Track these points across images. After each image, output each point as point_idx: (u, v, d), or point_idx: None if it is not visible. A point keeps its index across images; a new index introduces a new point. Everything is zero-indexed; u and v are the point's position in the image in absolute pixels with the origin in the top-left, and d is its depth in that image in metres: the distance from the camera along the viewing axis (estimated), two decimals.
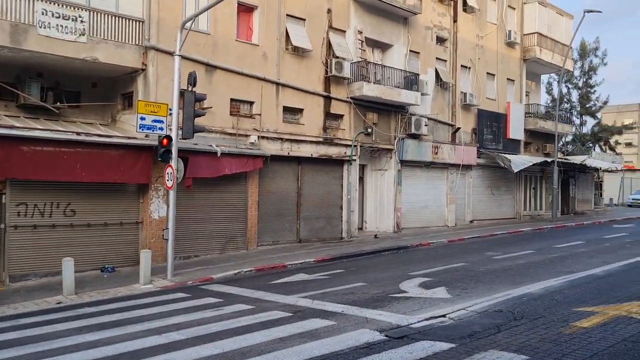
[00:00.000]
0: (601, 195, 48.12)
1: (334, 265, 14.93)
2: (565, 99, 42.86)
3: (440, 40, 24.65)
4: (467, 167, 25.61)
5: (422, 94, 22.30)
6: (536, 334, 7.48)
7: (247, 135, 16.89)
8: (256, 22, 17.43)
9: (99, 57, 13.75)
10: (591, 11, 26.81)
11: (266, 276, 13.35)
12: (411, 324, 8.23)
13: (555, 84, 41.97)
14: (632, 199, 45.19)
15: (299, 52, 18.54)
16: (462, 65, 25.64)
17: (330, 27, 19.64)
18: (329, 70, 19.27)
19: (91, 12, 13.70)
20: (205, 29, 15.98)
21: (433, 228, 23.74)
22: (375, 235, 20.74)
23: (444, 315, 8.67)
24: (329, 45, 19.53)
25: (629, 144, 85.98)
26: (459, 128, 25.09)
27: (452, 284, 11.47)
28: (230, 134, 16.45)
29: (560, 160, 29.90)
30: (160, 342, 7.61)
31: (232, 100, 16.66)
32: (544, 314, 8.63)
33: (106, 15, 14.04)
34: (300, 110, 18.70)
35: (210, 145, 15.63)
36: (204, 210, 16.03)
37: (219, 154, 15.61)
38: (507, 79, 28.69)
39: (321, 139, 19.23)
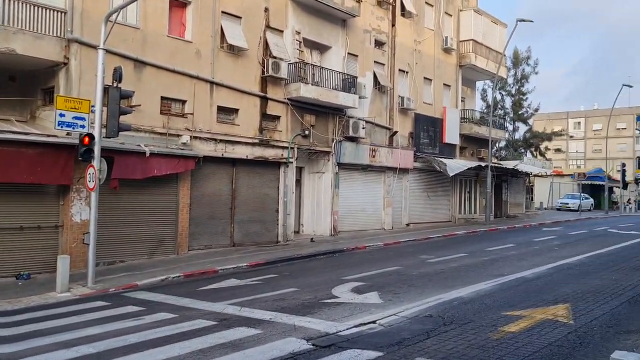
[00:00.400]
0: (532, 199, 49.93)
1: (267, 269, 14.53)
2: (499, 106, 44.26)
3: (379, 44, 24.74)
4: (404, 171, 25.81)
5: (360, 97, 22.27)
6: (464, 340, 7.37)
7: (178, 135, 16.25)
8: (189, 18, 16.83)
9: (16, 49, 12.83)
10: (523, 20, 27.68)
11: (195, 282, 12.79)
12: (340, 331, 7.96)
13: (490, 91, 43.26)
14: (561, 203, 47.13)
15: (234, 51, 18.05)
16: (400, 70, 25.84)
17: (268, 26, 19.26)
18: (265, 70, 18.89)
19: (7, 0, 12.77)
20: (134, 22, 15.25)
21: (370, 231, 23.74)
22: (312, 239, 20.48)
23: (374, 322, 8.46)
24: (266, 45, 19.15)
25: (558, 150, 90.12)
26: (396, 132, 25.24)
27: (384, 288, 11.32)
28: (161, 134, 15.77)
29: (493, 164, 30.72)
30: (67, 357, 6.99)
31: (162, 98, 15.98)
32: (473, 319, 8.57)
33: (24, 4, 13.12)
34: (236, 111, 18.21)
35: (139, 145, 14.90)
36: (131, 212, 15.26)
37: (147, 154, 14.89)
38: (444, 84, 29.19)
39: (257, 141, 18.80)
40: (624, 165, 47.55)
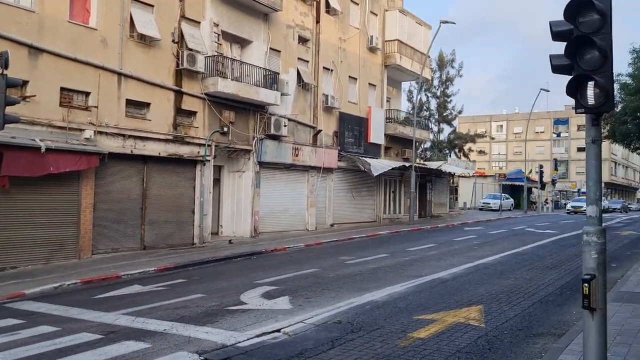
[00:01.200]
0: (457, 199, 51.17)
1: (176, 274, 13.59)
2: (424, 107, 44.97)
3: (303, 40, 24.22)
4: (329, 170, 25.43)
5: (283, 94, 21.64)
6: (370, 349, 6.86)
7: (81, 130, 15.00)
8: (94, 3, 15.59)
9: None
10: (446, 22, 28.00)
11: (94, 289, 11.69)
12: (239, 342, 7.27)
13: (416, 92, 43.83)
14: (483, 203, 48.54)
15: (145, 41, 16.94)
16: (324, 67, 25.44)
17: (183, 16, 18.26)
18: (180, 62, 17.88)
19: None
20: (28, 5, 13.90)
21: (293, 232, 23.15)
22: (230, 241, 19.64)
23: (278, 330, 7.83)
24: (181, 36, 18.14)
25: (481, 152, 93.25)
26: (320, 130, 24.81)
27: (297, 292, 10.72)
28: (60, 128, 14.47)
29: (418, 165, 30.94)
30: None
31: (62, 89, 14.67)
32: (383, 324, 8.11)
33: None
34: (147, 105, 17.10)
35: (33, 140, 13.57)
36: (25, 214, 13.89)
37: (43, 150, 13.56)
38: (369, 83, 29.08)
39: (171, 137, 17.77)
40: (541, 167, 49.63)
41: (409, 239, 22.48)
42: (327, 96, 25.17)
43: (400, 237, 23.18)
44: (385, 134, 29.97)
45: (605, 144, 79.16)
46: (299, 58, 23.90)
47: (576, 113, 5.08)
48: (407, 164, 29.32)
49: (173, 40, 17.79)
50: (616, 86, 25.49)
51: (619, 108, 25.35)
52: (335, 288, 11.21)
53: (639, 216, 51.71)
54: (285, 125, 22.15)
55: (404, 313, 8.89)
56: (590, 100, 4.82)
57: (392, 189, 31.24)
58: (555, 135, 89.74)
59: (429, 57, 33.69)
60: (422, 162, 35.20)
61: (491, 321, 8.30)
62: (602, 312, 4.88)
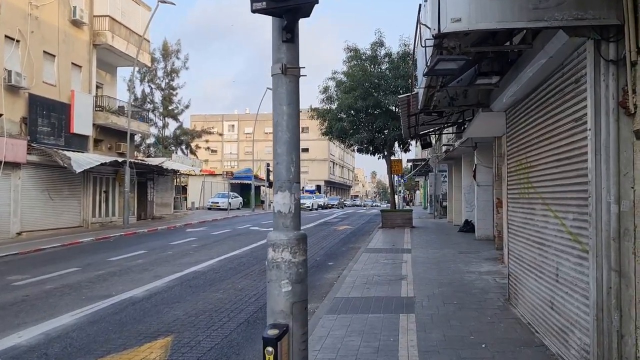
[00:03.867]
0: (186, 199, 48.72)
1: None
2: (148, 99, 41.33)
3: None
4: (14, 166, 20.32)
5: None
6: None
7: None
8: None
9: None
10: (165, 2, 25.17)
11: None
12: None
13: (138, 81, 39.98)
14: (212, 202, 47.00)
15: None
16: (6, 36, 20.26)
17: None
18: None
19: None
20: None
21: None
22: None
23: None
24: None
25: (214, 151, 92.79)
26: (0, 115, 19.61)
27: None
28: None
29: (134, 161, 27.40)
30: None
31: None
32: None
33: None
34: None
35: None
36: None
37: None
38: (73, 63, 24.53)
39: None
40: (268, 165, 50.23)
41: (118, 245, 19.10)
42: (10, 72, 20.05)
43: (106, 245, 19.57)
44: (94, 125, 25.76)
45: (324, 144, 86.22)
46: None
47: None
48: (120, 160, 25.55)
49: None
50: (332, 83, 26.06)
51: (335, 105, 25.90)
52: None
53: (353, 211, 56.70)
54: None
55: None
56: None
57: (104, 189, 27.06)
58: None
59: (148, 40, 30.39)
60: (140, 158, 31.66)
61: None
62: None
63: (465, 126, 13.70)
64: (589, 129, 4.68)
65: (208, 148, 51.03)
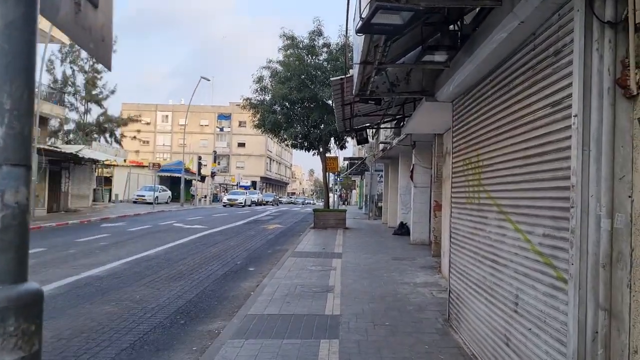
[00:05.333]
0: (111, 190, 45.78)
1: None
2: (70, 82, 38.24)
3: None
4: None
5: None
6: None
7: None
8: None
9: None
10: None
11: None
12: None
13: (59, 63, 36.91)
14: (137, 195, 44.30)
15: None
16: None
17: None
18: None
19: None
20: None
21: None
22: None
23: None
24: None
25: (146, 142, 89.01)
26: None
27: None
28: None
29: (45, 147, 24.80)
30: None
31: None
32: None
33: None
34: None
35: None
36: None
37: None
38: None
39: None
40: (200, 158, 48.10)
41: None
42: None
43: None
44: None
45: (261, 139, 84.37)
46: None
47: None
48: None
49: None
50: (267, 73, 24.48)
51: (269, 97, 24.33)
52: None
53: (287, 209, 55.24)
54: None
55: None
56: None
57: None
58: (219, 130, 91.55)
59: None
60: (54, 145, 28.92)
61: None
62: None
63: (405, 122, 12.56)
64: (574, 115, 3.45)
65: (135, 137, 48.06)
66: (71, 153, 27.04)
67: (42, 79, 32.23)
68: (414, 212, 17.36)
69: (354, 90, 7.39)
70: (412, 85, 7.46)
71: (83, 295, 9.05)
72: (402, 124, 14.45)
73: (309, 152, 25.56)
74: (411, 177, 17.31)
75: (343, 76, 8.98)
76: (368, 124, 13.60)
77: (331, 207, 28.29)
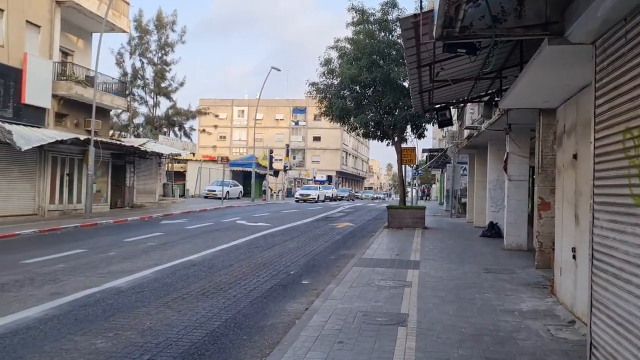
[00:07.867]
0: (184, 185, 45.17)
1: None
2: (139, 75, 37.55)
3: None
4: None
5: None
6: None
7: None
8: None
9: None
10: None
11: None
12: None
13: (128, 56, 36.26)
14: (208, 190, 43.28)
15: None
16: None
17: None
18: None
19: None
20: None
21: None
22: None
23: None
24: None
25: (223, 137, 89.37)
26: None
27: None
28: None
29: (104, 140, 23.66)
30: None
31: None
32: None
33: None
34: None
35: None
36: None
37: None
38: (28, 22, 20.79)
39: None
40: (271, 151, 46.47)
41: (60, 240, 15.58)
42: None
43: (45, 239, 15.95)
44: (56, 96, 22.12)
45: (337, 133, 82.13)
46: None
47: None
48: (82, 137, 21.79)
49: None
50: (335, 54, 21.93)
51: (337, 81, 21.79)
52: None
53: (362, 204, 52.66)
54: None
55: None
56: None
57: (68, 171, 23.34)
58: (294, 124, 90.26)
59: (127, 3, 26.53)
60: (116, 138, 27.91)
61: None
62: None
63: (501, 95, 9.72)
64: None
65: (204, 130, 46.97)
66: (132, 146, 25.86)
67: (114, 73, 31.52)
68: (508, 211, 14.35)
69: (434, 31, 4.78)
70: (528, 17, 4.75)
71: (82, 320, 7.03)
72: (494, 101, 11.56)
73: (382, 141, 22.84)
74: (505, 168, 14.30)
75: (416, 12, 6.28)
76: (453, 101, 10.78)
77: (407, 204, 25.40)
